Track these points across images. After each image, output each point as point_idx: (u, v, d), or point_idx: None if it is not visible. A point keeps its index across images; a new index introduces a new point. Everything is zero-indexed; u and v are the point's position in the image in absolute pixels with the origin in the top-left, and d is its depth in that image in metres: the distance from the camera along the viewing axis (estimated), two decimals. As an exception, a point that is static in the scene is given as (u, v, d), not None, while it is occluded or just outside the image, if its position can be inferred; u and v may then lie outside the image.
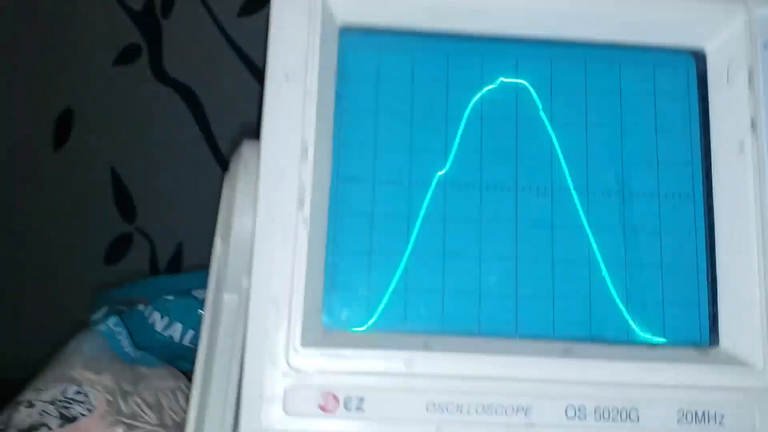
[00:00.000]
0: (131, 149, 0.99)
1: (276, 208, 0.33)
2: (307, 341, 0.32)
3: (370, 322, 0.33)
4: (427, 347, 0.32)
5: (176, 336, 0.55)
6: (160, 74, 0.99)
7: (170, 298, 0.56)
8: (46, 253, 1.00)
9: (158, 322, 0.55)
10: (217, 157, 0.97)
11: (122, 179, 1.00)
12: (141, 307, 0.56)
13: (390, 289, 0.34)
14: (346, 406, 0.32)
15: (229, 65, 0.96)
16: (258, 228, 0.33)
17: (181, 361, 0.55)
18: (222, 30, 0.96)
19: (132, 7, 1.00)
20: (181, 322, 0.56)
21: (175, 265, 0.98)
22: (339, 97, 0.35)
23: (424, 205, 0.35)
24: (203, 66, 0.98)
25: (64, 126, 1.01)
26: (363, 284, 0.34)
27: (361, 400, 0.32)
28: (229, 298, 0.40)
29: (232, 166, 0.39)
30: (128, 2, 1.00)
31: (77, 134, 1.01)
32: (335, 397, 0.32)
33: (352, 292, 0.34)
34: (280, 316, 0.32)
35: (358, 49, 0.36)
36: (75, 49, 1.01)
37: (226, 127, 0.96)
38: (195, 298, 0.56)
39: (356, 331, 0.33)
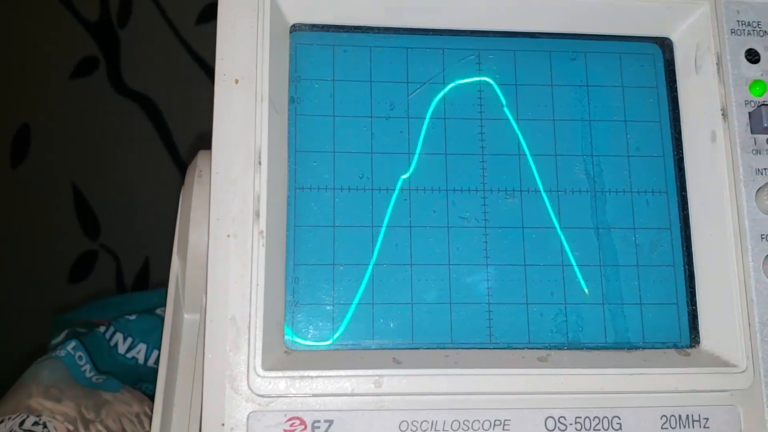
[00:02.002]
0: (92, 164, 0.97)
1: (230, 221, 0.31)
2: (269, 364, 0.30)
3: (336, 338, 0.32)
4: (396, 363, 0.31)
5: (140, 357, 0.54)
6: (119, 86, 0.97)
7: (132, 317, 0.55)
8: (7, 275, 0.97)
9: (121, 343, 0.54)
10: (180, 168, 0.95)
11: (84, 195, 0.97)
12: (102, 328, 0.54)
13: (355, 303, 0.32)
14: (314, 430, 0.30)
15: (189, 74, 0.94)
16: (211, 243, 0.31)
17: (146, 383, 0.53)
18: (180, 38, 0.95)
19: (87, 18, 0.98)
20: (144, 342, 0.54)
21: (142, 281, 0.96)
22: (293, 100, 0.33)
23: (388, 212, 0.33)
24: (163, 76, 0.96)
25: (21, 142, 0.99)
26: (326, 298, 0.32)
27: (330, 422, 0.30)
28: (189, 318, 0.38)
29: (187, 177, 0.38)
30: (83, 13, 0.98)
31: (35, 151, 0.99)
32: (302, 422, 0.30)
33: (315, 307, 0.32)
34: (239, 337, 0.30)
35: (310, 48, 0.34)
36: (30, 62, 0.98)
37: (189, 137, 0.94)
38: (159, 316, 0.55)
39: (321, 349, 0.32)
